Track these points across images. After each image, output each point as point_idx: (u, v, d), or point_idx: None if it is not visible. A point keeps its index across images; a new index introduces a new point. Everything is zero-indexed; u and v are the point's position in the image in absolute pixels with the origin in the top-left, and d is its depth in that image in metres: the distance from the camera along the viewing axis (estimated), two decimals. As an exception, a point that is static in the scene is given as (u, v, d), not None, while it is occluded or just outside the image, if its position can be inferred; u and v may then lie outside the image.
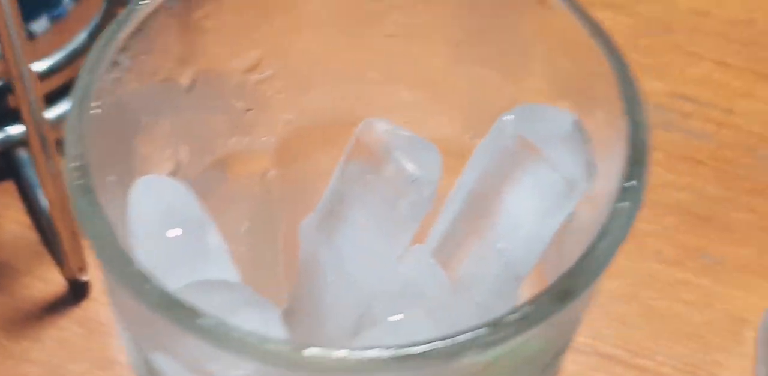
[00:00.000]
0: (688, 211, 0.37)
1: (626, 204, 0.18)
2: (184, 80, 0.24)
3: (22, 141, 0.36)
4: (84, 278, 0.34)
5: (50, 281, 0.35)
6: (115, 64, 0.22)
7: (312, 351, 0.17)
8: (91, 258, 0.34)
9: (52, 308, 0.34)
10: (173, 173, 0.25)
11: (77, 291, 0.34)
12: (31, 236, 0.36)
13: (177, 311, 0.18)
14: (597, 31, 0.19)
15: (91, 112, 0.21)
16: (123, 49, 0.22)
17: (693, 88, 0.40)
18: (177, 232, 0.22)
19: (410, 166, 0.24)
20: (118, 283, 0.19)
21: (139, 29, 0.22)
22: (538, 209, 0.22)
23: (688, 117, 0.39)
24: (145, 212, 0.22)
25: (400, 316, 0.21)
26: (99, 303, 0.34)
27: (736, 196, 0.37)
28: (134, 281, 0.18)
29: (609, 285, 0.35)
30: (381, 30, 0.23)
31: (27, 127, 0.31)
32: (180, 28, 0.23)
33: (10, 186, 0.37)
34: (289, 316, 0.28)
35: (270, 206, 0.28)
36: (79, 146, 0.20)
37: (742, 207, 0.37)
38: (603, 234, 0.17)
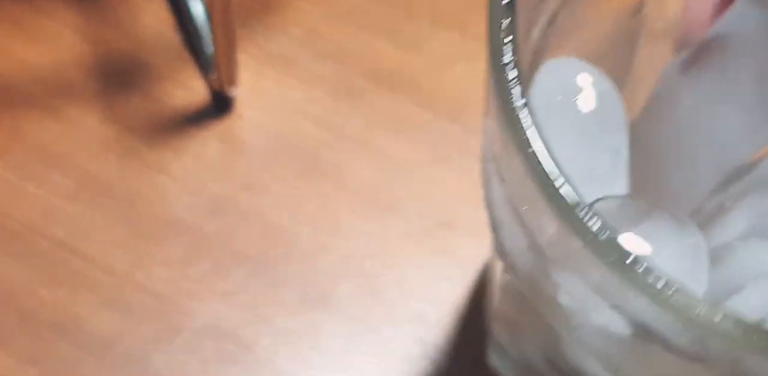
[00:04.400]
0: None
1: None
2: None
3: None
4: (232, 93, 0.32)
5: (192, 90, 0.33)
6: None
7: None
8: (243, 73, 0.32)
9: (194, 120, 0.32)
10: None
11: (221, 105, 0.32)
12: (173, 37, 0.33)
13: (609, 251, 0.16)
14: None
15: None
16: None
17: None
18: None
19: None
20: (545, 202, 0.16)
21: None
22: None
23: None
24: (551, 99, 0.19)
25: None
26: (243, 120, 0.32)
27: None
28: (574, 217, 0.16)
29: None
30: None
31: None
32: None
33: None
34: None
35: (634, 41, 0.25)
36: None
37: None
38: None
